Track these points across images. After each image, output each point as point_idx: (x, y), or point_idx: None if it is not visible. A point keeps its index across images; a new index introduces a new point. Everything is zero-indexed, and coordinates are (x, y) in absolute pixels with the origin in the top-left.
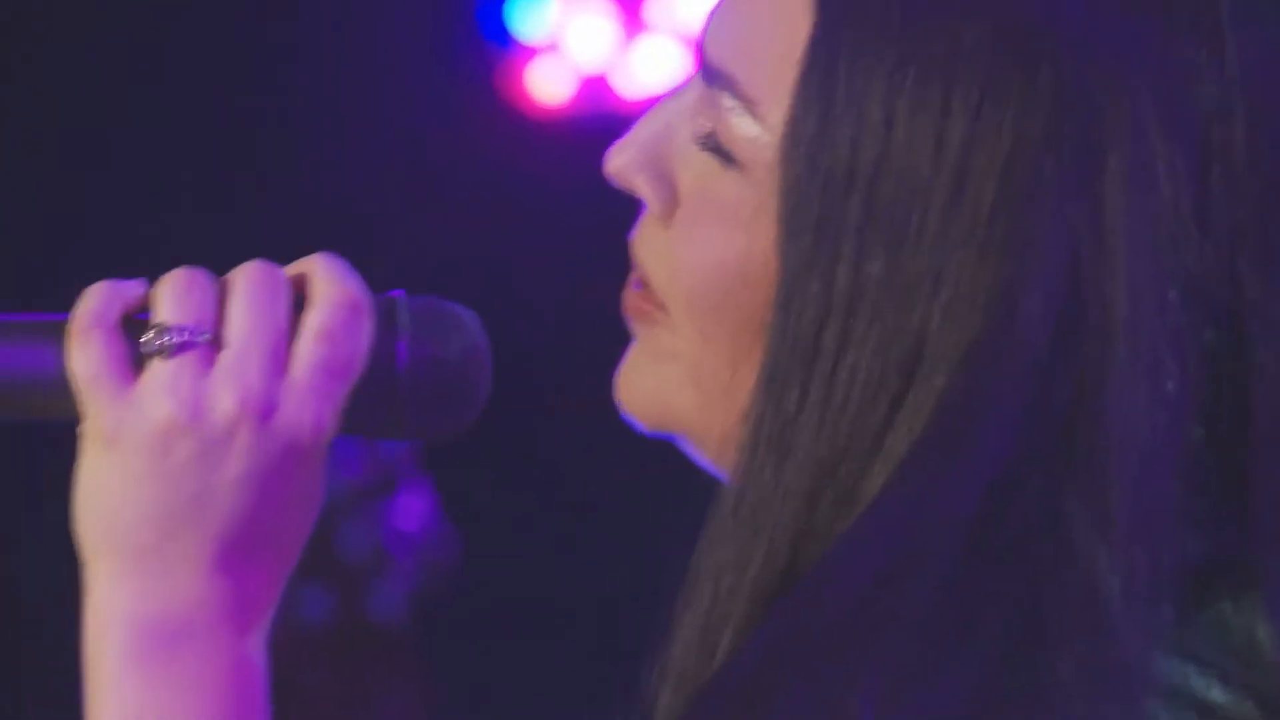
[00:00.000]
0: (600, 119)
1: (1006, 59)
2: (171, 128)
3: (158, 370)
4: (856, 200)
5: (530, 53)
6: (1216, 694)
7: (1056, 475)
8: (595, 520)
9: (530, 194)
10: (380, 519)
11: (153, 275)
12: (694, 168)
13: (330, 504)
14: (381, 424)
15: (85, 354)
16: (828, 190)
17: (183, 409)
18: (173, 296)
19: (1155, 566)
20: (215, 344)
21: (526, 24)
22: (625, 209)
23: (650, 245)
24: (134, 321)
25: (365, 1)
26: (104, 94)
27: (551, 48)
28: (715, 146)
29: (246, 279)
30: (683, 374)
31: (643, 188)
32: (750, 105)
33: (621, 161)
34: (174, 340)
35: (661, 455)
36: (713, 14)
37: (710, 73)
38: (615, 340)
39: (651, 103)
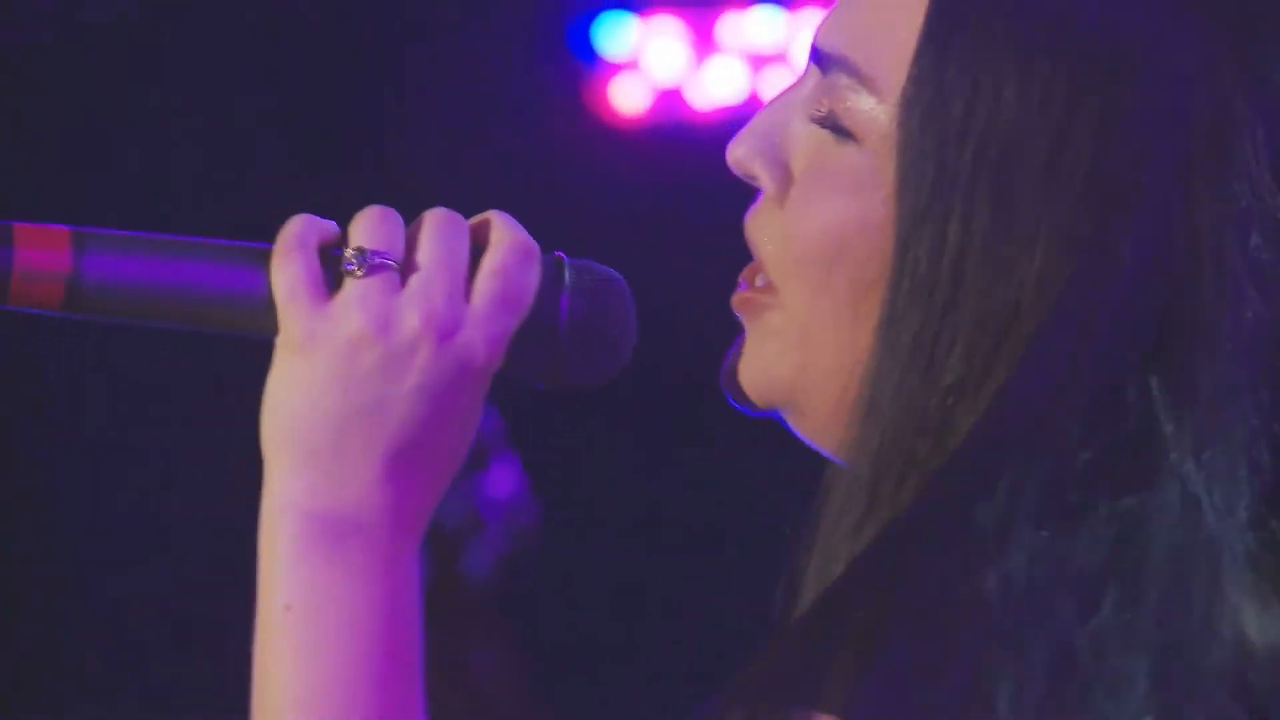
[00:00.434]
0: (674, 129)
1: (1108, 33)
2: (281, 142)
3: (352, 287)
4: (968, 157)
5: (613, 69)
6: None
7: (1151, 398)
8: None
9: (611, 195)
10: (474, 489)
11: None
12: (809, 147)
13: None
14: (538, 365)
15: (286, 270)
16: (942, 148)
17: (372, 321)
18: (368, 226)
19: (1241, 484)
20: (404, 270)
21: (610, 43)
22: (696, 208)
23: (764, 224)
24: (329, 251)
25: (466, 24)
26: (228, 132)
27: (631, 65)
28: (833, 123)
29: (433, 218)
30: (791, 344)
31: (760, 172)
32: (868, 81)
33: (740, 151)
34: (369, 261)
35: (730, 441)
36: (829, 14)
37: (828, 60)
38: (692, 327)
39: (721, 114)
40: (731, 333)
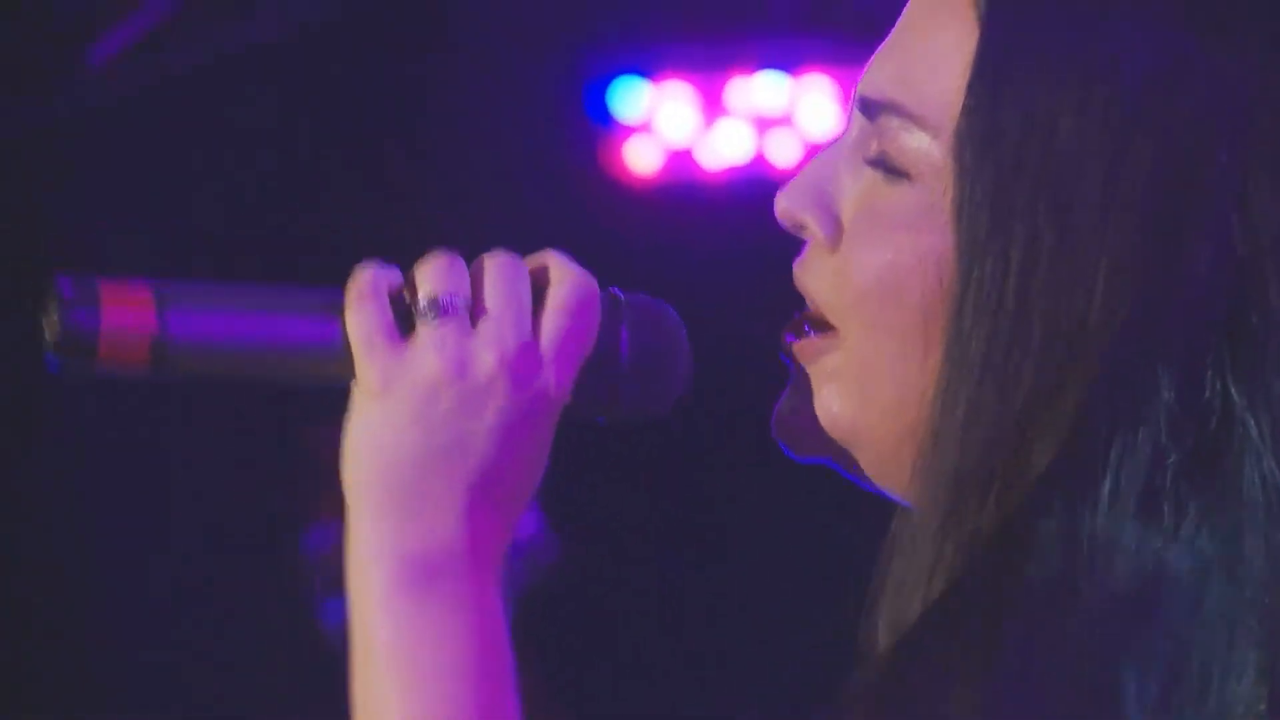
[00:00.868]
0: (685, 188)
1: (1159, 55)
2: (304, 201)
3: (427, 331)
4: (1027, 183)
5: (627, 131)
6: None
7: (1229, 399)
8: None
9: (625, 249)
10: None
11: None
12: (859, 192)
13: None
14: (602, 398)
15: (361, 318)
16: (1000, 175)
17: (450, 363)
18: (435, 271)
19: None
20: (472, 313)
21: (624, 107)
22: (705, 262)
23: (817, 270)
24: (398, 297)
25: (489, 89)
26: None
27: (644, 127)
28: (885, 163)
29: (494, 261)
30: (851, 383)
31: (809, 220)
32: (919, 120)
33: (788, 202)
34: (441, 305)
35: (751, 485)
36: (870, 65)
37: (876, 106)
38: (703, 377)
39: (729, 174)
40: (745, 381)
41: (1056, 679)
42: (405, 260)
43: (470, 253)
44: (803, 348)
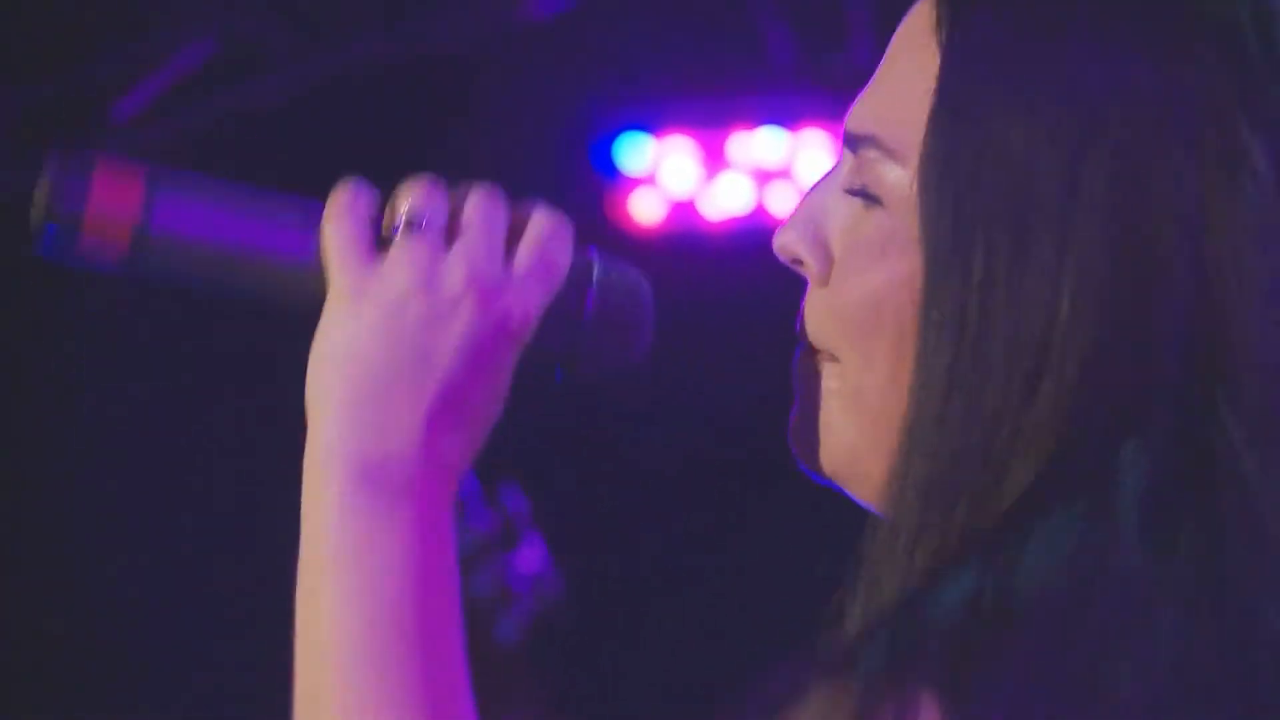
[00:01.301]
0: (688, 237)
1: (1112, 76)
2: None
3: (400, 245)
4: (982, 198)
5: (631, 183)
6: None
7: (1209, 406)
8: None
9: None
10: (504, 563)
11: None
12: (844, 222)
13: (463, 551)
14: (558, 346)
15: (338, 230)
16: (958, 193)
17: (419, 277)
18: (415, 192)
19: None
20: (448, 234)
21: (629, 160)
22: (708, 309)
23: (814, 307)
24: (377, 215)
25: (497, 143)
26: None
27: (649, 180)
28: (863, 193)
29: (476, 190)
30: (847, 403)
31: (804, 255)
32: (893, 153)
33: (785, 238)
34: (417, 221)
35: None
36: (856, 101)
37: (857, 141)
38: (704, 420)
39: (731, 224)
40: (744, 424)
41: (1037, 696)
42: None
43: None
44: (807, 372)
